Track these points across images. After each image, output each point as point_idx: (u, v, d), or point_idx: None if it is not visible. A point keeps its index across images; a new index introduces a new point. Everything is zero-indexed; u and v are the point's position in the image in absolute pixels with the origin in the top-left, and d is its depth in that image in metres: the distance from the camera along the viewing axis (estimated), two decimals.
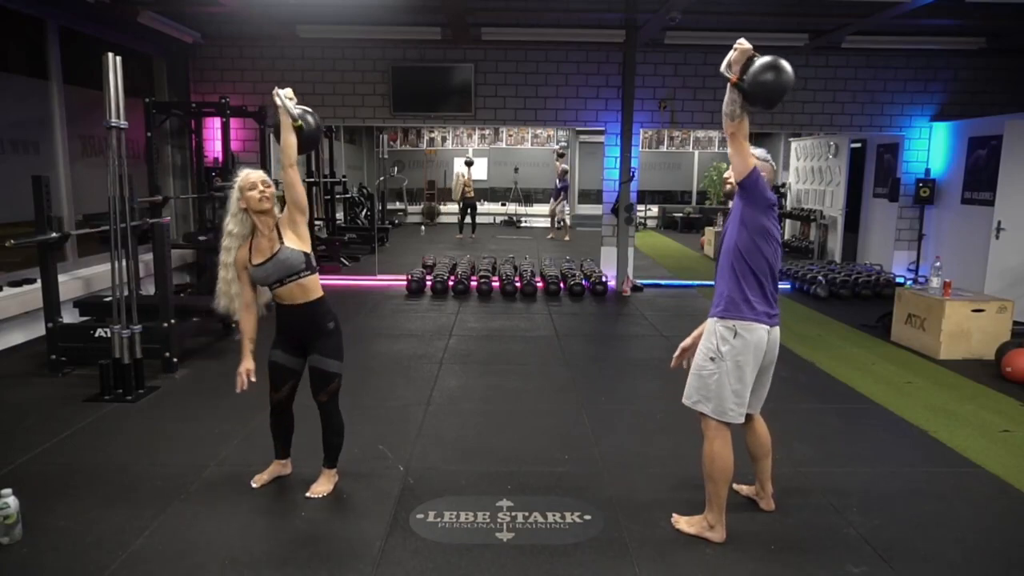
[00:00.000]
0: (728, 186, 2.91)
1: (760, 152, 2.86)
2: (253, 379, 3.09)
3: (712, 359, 2.83)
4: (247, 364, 3.07)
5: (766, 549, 2.83)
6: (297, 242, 3.04)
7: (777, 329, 2.87)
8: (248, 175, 3.02)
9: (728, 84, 2.65)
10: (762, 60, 2.61)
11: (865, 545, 2.86)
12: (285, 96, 2.97)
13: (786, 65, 2.61)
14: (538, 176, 17.93)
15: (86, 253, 6.66)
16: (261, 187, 2.98)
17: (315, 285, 3.09)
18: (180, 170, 8.49)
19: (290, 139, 2.98)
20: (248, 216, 3.02)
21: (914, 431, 4.15)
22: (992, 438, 4.03)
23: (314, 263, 3.11)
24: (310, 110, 3.11)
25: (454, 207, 15.77)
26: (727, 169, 2.92)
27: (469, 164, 15.56)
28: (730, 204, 2.94)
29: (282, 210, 3.09)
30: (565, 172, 14.72)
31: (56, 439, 3.80)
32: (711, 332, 2.85)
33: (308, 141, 3.10)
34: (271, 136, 8.36)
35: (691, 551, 2.80)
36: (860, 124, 8.78)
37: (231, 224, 3.03)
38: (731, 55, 2.64)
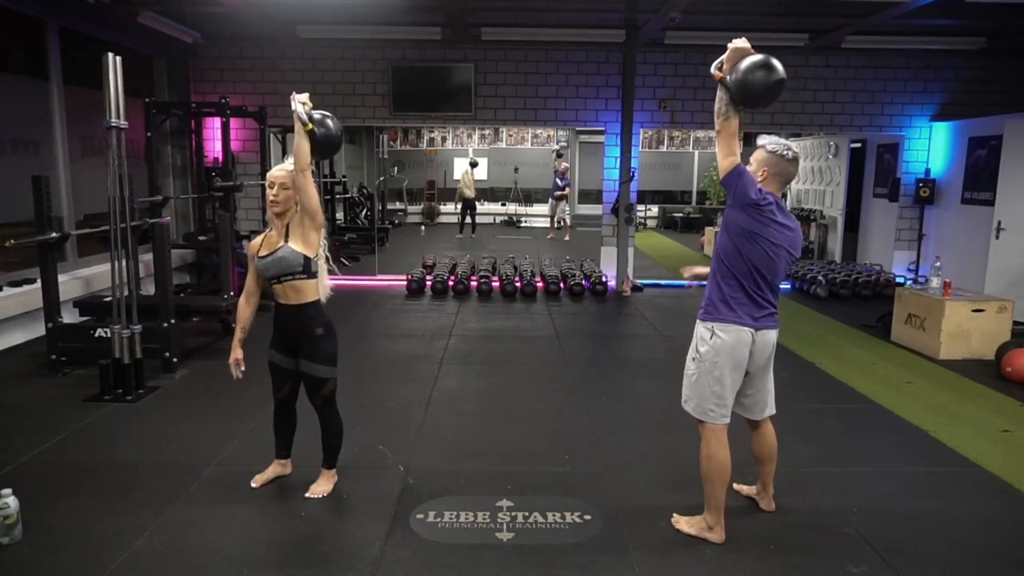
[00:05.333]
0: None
1: (770, 141, 2.77)
2: (243, 368, 3.21)
3: (694, 359, 2.87)
4: (235, 354, 3.21)
5: (766, 549, 2.83)
6: (301, 245, 3.04)
7: (769, 332, 2.83)
8: (274, 171, 3.08)
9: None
10: (751, 59, 2.62)
11: (865, 545, 2.86)
12: (299, 100, 2.95)
13: (775, 64, 2.61)
14: (538, 176, 17.92)
15: (86, 253, 6.66)
16: (277, 188, 3.03)
17: (309, 289, 3.10)
18: (180, 170, 8.48)
19: (303, 143, 2.98)
20: None
21: (914, 431, 4.15)
22: (992, 438, 4.03)
23: (313, 269, 3.10)
24: (329, 114, 3.07)
25: (454, 207, 15.77)
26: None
27: (474, 165, 15.69)
28: None
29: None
30: (566, 170, 14.69)
31: (56, 439, 3.80)
32: (695, 333, 2.89)
33: (324, 146, 3.07)
34: (270, 136, 8.34)
35: (691, 551, 2.80)
36: (860, 124, 8.78)
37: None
38: (725, 54, 2.67)
